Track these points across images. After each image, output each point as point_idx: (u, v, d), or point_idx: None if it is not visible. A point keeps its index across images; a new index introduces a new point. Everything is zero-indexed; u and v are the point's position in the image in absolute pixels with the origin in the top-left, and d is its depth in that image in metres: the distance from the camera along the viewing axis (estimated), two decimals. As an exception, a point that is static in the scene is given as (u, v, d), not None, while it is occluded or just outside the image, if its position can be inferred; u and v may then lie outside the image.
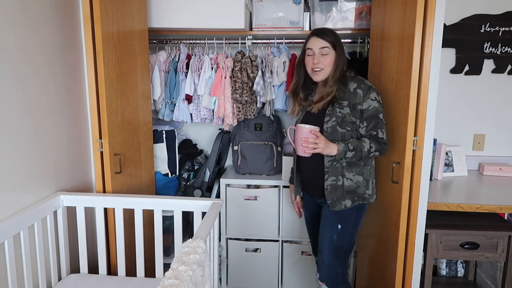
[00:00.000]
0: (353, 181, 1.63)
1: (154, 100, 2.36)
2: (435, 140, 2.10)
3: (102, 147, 1.75)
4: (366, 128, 1.59)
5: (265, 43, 2.35)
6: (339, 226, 1.66)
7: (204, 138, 2.75)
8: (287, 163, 2.28)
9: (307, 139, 1.51)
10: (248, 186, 2.40)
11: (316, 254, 1.86)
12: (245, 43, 2.33)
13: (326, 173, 1.63)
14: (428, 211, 1.70)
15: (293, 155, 1.89)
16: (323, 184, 1.65)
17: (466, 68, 2.33)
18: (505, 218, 2.08)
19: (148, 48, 2.15)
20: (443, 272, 2.42)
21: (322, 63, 1.60)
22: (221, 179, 2.35)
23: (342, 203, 1.63)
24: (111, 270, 1.82)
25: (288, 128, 1.71)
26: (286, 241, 2.37)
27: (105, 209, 1.77)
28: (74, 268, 1.79)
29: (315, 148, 1.52)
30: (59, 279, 1.69)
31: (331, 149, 1.54)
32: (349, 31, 2.22)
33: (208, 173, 2.40)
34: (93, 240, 1.92)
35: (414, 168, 1.60)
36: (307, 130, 1.52)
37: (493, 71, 2.33)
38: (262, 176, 2.40)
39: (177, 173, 2.43)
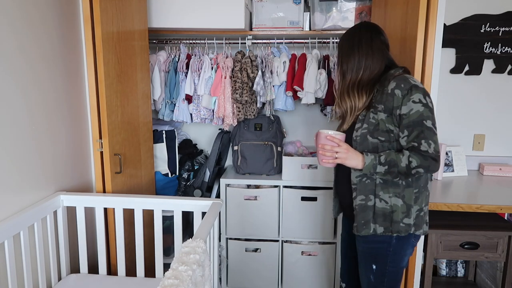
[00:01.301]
0: (389, 203, 1.32)
1: (154, 100, 2.36)
2: (435, 140, 2.09)
3: (102, 147, 1.75)
4: (407, 138, 1.27)
5: (265, 43, 2.35)
6: (374, 267, 1.39)
7: (204, 138, 2.75)
8: (287, 163, 2.28)
9: (323, 146, 1.31)
10: (248, 186, 2.40)
11: (342, 278, 1.68)
12: (245, 43, 2.33)
13: (354, 191, 1.36)
14: (428, 211, 1.70)
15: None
16: (353, 204, 1.39)
17: (466, 68, 2.33)
18: (505, 218, 2.08)
19: (148, 48, 2.15)
20: (443, 272, 2.42)
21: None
22: (221, 179, 2.35)
23: (370, 227, 1.34)
24: (111, 270, 1.82)
25: (314, 135, 1.51)
26: (286, 241, 2.36)
27: (105, 209, 1.77)
28: (74, 268, 1.79)
29: (335, 158, 1.30)
30: (59, 279, 1.69)
31: (356, 161, 1.29)
32: (349, 31, 2.22)
33: (208, 173, 2.40)
34: (93, 240, 1.92)
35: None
36: (324, 135, 1.32)
37: (493, 71, 2.33)
38: (262, 176, 2.40)
39: (177, 173, 2.43)
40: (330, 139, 1.30)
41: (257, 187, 2.38)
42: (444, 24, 2.22)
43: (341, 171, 1.43)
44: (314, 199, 2.26)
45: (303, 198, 2.27)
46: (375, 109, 1.31)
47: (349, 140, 1.35)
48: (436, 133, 1.26)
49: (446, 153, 2.26)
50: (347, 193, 1.41)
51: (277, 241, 2.36)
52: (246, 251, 2.38)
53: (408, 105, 1.25)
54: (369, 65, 1.34)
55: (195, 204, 1.66)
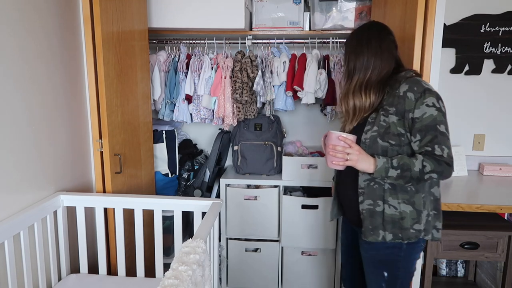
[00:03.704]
0: (398, 210, 1.28)
1: (154, 100, 2.36)
2: (435, 140, 2.09)
3: (102, 147, 1.75)
4: (419, 143, 1.23)
5: (265, 43, 2.35)
6: (385, 274, 1.35)
7: (204, 138, 2.75)
8: (287, 163, 2.28)
9: (335, 147, 1.25)
10: (248, 186, 2.40)
11: (344, 283, 1.66)
12: (245, 43, 2.33)
13: (360, 195, 1.32)
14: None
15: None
16: (358, 209, 1.35)
17: (466, 68, 2.33)
18: (505, 218, 2.08)
19: (148, 48, 2.15)
20: (443, 272, 2.42)
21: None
22: (221, 179, 2.35)
23: (379, 233, 1.30)
24: (111, 270, 1.82)
25: (323, 136, 1.43)
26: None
27: (105, 209, 1.77)
28: (74, 268, 1.79)
29: (346, 160, 1.25)
30: (59, 279, 1.69)
31: (368, 164, 1.23)
32: (349, 31, 2.21)
33: (208, 173, 2.40)
34: (93, 240, 1.92)
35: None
36: (335, 136, 1.26)
37: (493, 71, 2.32)
38: (262, 176, 2.40)
39: (177, 173, 2.43)
40: (342, 139, 1.25)
41: (257, 187, 2.38)
42: (444, 24, 2.22)
43: (345, 173, 1.39)
44: (315, 207, 2.25)
45: (304, 206, 2.25)
46: (386, 112, 1.27)
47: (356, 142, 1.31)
48: (449, 138, 1.23)
49: (446, 153, 2.25)
50: (351, 196, 1.37)
51: (277, 241, 2.36)
52: (246, 251, 2.38)
53: (422, 109, 1.22)
54: (378, 65, 1.31)
55: (195, 204, 1.66)
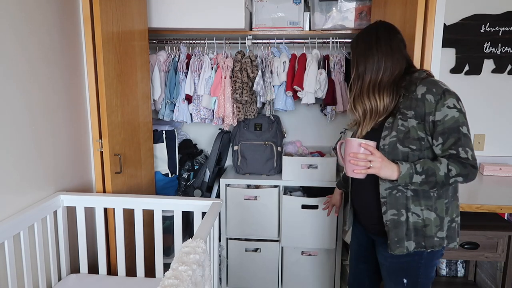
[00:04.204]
0: (421, 217, 1.24)
1: (154, 100, 2.36)
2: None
3: (102, 147, 1.75)
4: (442, 146, 1.19)
5: (265, 43, 2.35)
6: (405, 281, 1.32)
7: (204, 138, 2.75)
8: (287, 163, 2.28)
9: (356, 155, 1.19)
10: (248, 186, 2.40)
11: None
12: (245, 43, 2.33)
13: (383, 205, 1.27)
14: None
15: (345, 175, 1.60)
16: (378, 218, 1.30)
17: (466, 68, 2.33)
18: (505, 218, 2.08)
19: (148, 48, 2.15)
20: (443, 272, 2.42)
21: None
22: (221, 179, 2.35)
23: (404, 245, 1.26)
24: (111, 270, 1.82)
25: (338, 144, 1.41)
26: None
27: (105, 209, 1.77)
28: (74, 268, 1.79)
29: (368, 168, 1.19)
30: (59, 279, 1.69)
31: (391, 171, 1.18)
32: (349, 31, 2.22)
33: (208, 173, 2.40)
34: (93, 240, 1.92)
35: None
36: (356, 144, 1.21)
37: (493, 71, 2.32)
38: (262, 176, 2.40)
39: (177, 173, 2.43)
40: (364, 147, 1.19)
41: (257, 187, 2.38)
42: (444, 24, 2.22)
43: (360, 182, 1.33)
44: (315, 207, 2.24)
45: (304, 206, 2.25)
46: (404, 116, 1.22)
47: None
48: (471, 140, 1.20)
49: (446, 153, 2.25)
50: (370, 204, 1.34)
51: (277, 241, 2.36)
52: (246, 251, 2.38)
53: (443, 111, 1.17)
54: (389, 66, 1.26)
55: (195, 204, 1.66)
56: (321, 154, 2.45)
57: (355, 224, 1.55)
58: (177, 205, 1.67)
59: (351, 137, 1.34)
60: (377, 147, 1.24)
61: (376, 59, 1.27)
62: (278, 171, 2.41)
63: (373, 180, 1.28)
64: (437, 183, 1.17)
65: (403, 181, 1.18)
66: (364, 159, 1.18)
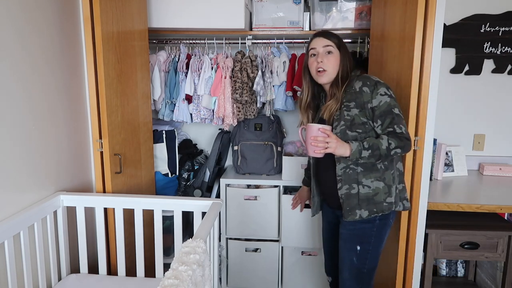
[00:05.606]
0: (371, 187, 1.47)
1: (154, 100, 2.36)
2: (435, 140, 2.10)
3: (102, 147, 1.75)
4: (381, 127, 1.44)
5: (265, 43, 2.35)
6: (358, 248, 1.52)
7: (204, 138, 2.75)
8: (287, 163, 2.28)
9: (316, 138, 1.40)
10: (248, 186, 2.40)
11: (328, 273, 1.80)
12: (245, 43, 2.33)
13: (339, 182, 1.50)
14: (428, 211, 1.71)
15: (310, 160, 1.79)
16: (337, 194, 1.52)
17: (466, 68, 2.33)
18: (505, 218, 2.08)
19: (148, 48, 2.15)
20: (443, 272, 2.42)
21: (326, 64, 1.49)
22: (221, 179, 2.35)
23: (356, 212, 1.47)
24: (111, 270, 1.82)
25: (300, 129, 1.63)
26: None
27: (105, 209, 1.77)
28: (74, 268, 1.79)
29: (326, 148, 1.39)
30: (59, 279, 1.69)
31: (344, 149, 1.40)
32: (349, 31, 2.22)
33: (208, 173, 2.40)
34: (93, 240, 1.92)
35: (414, 168, 1.60)
36: (316, 128, 1.42)
37: (493, 71, 2.33)
38: (262, 176, 2.40)
39: (177, 173, 2.43)
40: (322, 131, 1.41)
41: (257, 187, 2.38)
42: (444, 24, 2.22)
43: (323, 163, 1.57)
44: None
45: (304, 206, 2.24)
46: (348, 107, 1.47)
47: None
48: (403, 118, 1.44)
49: (446, 153, 2.26)
50: (331, 183, 1.55)
51: (277, 241, 2.36)
52: (246, 251, 2.38)
53: (377, 98, 1.43)
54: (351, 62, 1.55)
55: (195, 204, 1.66)
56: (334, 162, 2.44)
57: (323, 206, 1.76)
58: (177, 205, 1.67)
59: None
60: None
61: (343, 55, 1.55)
62: (278, 171, 2.41)
63: (331, 163, 1.51)
64: (381, 155, 1.40)
65: (355, 156, 1.40)
66: (323, 141, 1.39)
